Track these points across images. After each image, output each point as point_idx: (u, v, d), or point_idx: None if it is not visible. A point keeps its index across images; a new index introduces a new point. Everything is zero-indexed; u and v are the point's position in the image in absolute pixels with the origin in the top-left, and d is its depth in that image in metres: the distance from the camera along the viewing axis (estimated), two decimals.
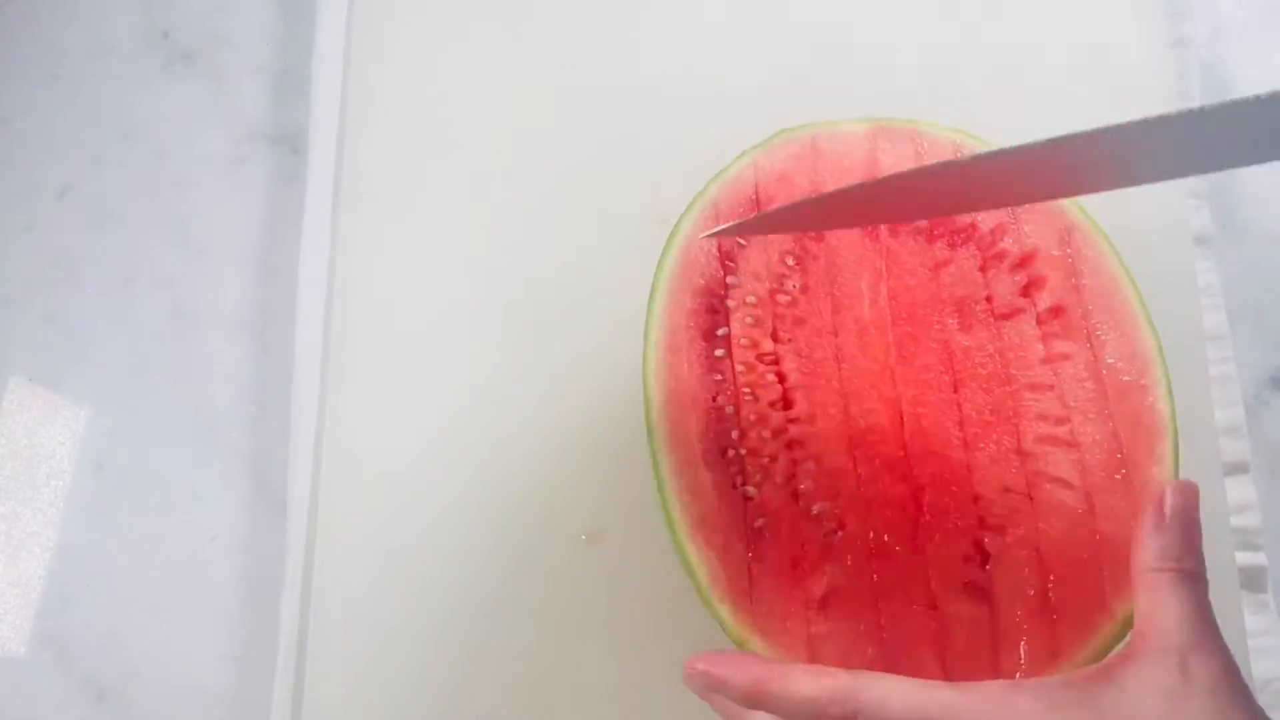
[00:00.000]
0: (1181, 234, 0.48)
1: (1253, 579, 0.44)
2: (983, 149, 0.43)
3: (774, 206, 0.41)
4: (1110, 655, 0.33)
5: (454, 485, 0.47)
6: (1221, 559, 0.44)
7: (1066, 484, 0.38)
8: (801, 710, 0.33)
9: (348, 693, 0.45)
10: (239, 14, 0.58)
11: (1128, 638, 0.33)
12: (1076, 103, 0.50)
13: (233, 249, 0.54)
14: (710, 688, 0.35)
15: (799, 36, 0.53)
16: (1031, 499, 0.38)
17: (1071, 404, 0.39)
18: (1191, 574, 0.33)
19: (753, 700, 0.34)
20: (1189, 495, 0.34)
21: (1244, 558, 0.44)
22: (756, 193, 0.43)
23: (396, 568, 0.46)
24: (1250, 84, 0.53)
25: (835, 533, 0.38)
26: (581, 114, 0.52)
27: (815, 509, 0.38)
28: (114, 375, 0.53)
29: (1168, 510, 0.34)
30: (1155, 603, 0.32)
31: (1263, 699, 0.42)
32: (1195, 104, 0.49)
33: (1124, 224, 0.43)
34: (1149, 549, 0.34)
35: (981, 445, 0.39)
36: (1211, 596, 0.32)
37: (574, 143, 0.52)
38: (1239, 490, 0.45)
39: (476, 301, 0.50)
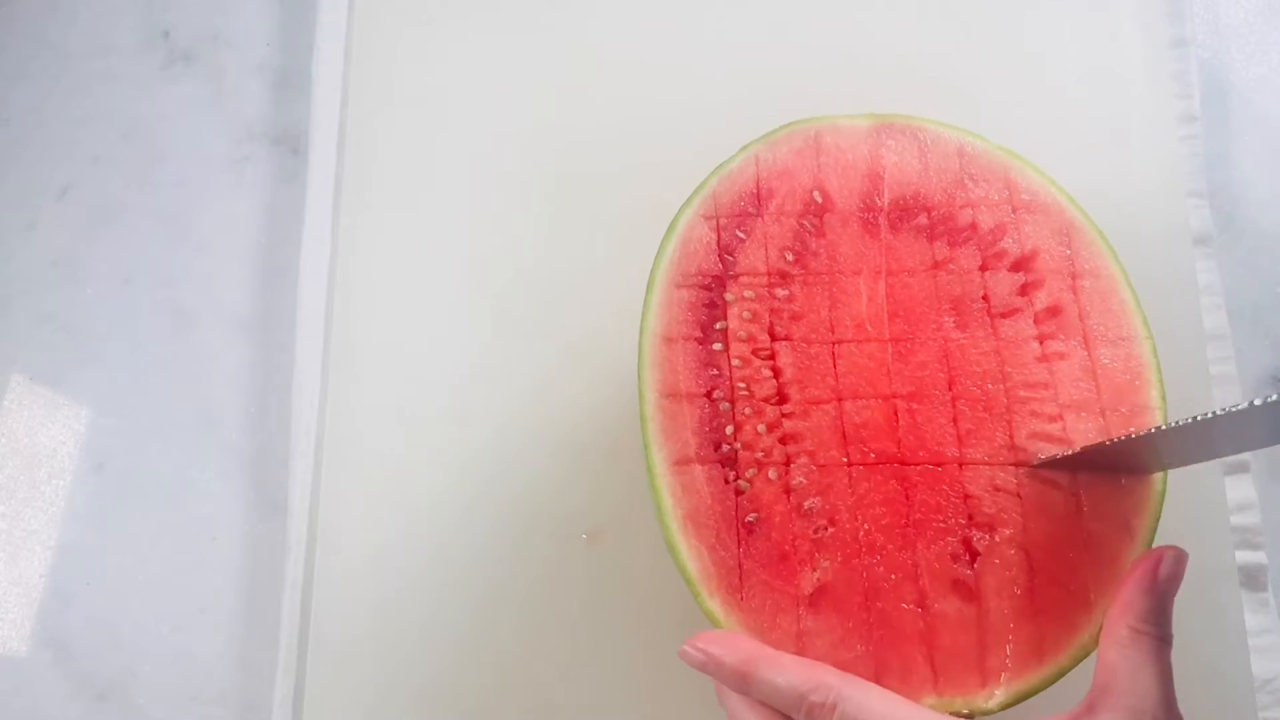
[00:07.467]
0: (1181, 234, 0.48)
1: (1252, 578, 0.44)
2: (985, 147, 0.43)
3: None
4: (1074, 707, 0.33)
5: (455, 485, 0.47)
6: (1221, 558, 0.44)
7: (1055, 483, 0.38)
8: (785, 695, 0.33)
9: (348, 692, 0.45)
10: (239, 14, 0.58)
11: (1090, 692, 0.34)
12: (1077, 102, 0.51)
13: (233, 249, 0.54)
14: (703, 667, 0.35)
15: (798, 35, 0.53)
16: (1021, 498, 0.38)
17: (1065, 402, 0.39)
18: (1169, 640, 0.34)
19: (741, 681, 0.34)
20: (1181, 565, 0.35)
21: (1244, 556, 0.44)
22: (758, 186, 0.43)
23: (397, 568, 0.46)
24: (1250, 84, 0.53)
25: (826, 529, 0.38)
26: (581, 111, 0.52)
27: (807, 504, 0.38)
28: (114, 375, 0.53)
29: (1161, 575, 0.34)
30: (1133, 662, 0.33)
31: (1263, 698, 0.42)
32: (1196, 113, 0.49)
33: (1124, 224, 0.43)
34: (1137, 609, 0.34)
35: (974, 443, 0.39)
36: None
37: (573, 140, 0.52)
38: (1239, 489, 0.45)
39: (478, 300, 0.50)
